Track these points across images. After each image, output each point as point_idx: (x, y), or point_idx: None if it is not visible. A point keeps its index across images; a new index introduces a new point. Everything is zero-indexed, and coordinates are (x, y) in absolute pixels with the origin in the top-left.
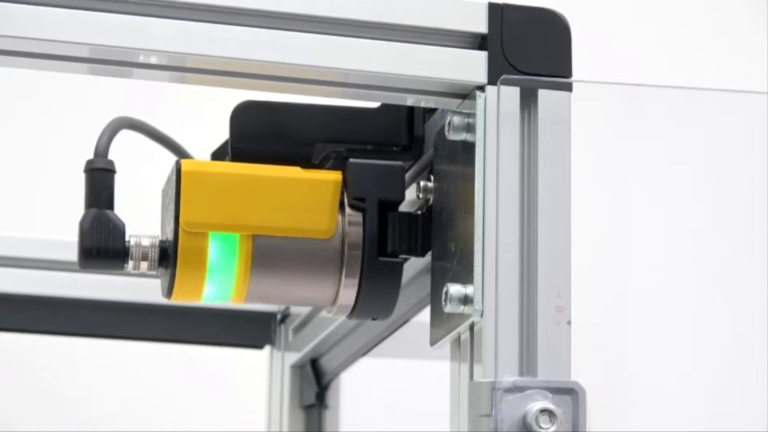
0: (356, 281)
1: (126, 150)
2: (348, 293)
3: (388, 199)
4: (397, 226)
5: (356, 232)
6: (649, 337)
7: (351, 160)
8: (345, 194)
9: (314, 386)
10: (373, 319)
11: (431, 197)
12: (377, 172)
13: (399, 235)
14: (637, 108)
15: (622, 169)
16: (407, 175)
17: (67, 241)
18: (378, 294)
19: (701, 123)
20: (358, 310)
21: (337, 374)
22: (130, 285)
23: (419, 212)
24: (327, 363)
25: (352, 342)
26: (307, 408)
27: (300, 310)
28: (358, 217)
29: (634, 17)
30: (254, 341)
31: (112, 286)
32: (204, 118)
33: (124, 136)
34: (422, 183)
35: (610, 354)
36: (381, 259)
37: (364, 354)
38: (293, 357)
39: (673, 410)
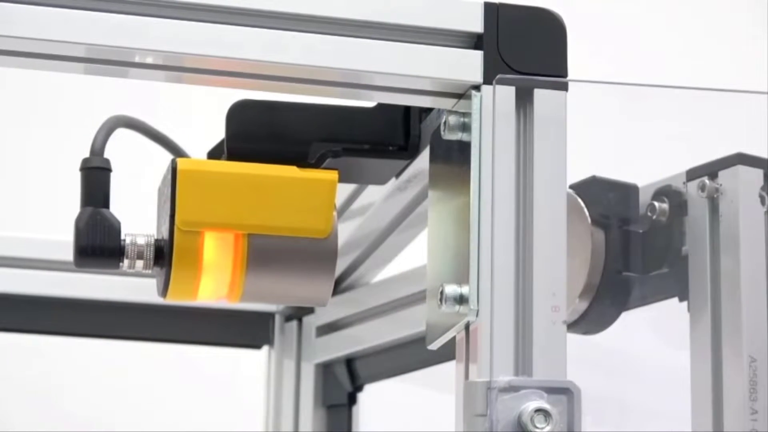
0: (592, 294)
1: (122, 148)
2: (580, 304)
3: (628, 218)
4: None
5: (599, 247)
6: (649, 337)
7: (595, 176)
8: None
9: (347, 386)
10: (584, 333)
11: (663, 219)
12: (619, 191)
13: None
14: (634, 108)
15: (619, 168)
16: (405, 175)
17: (66, 241)
18: (607, 310)
19: (701, 123)
20: (582, 322)
21: (375, 380)
22: (130, 285)
23: (641, 230)
24: (364, 367)
25: (402, 357)
26: (331, 408)
27: (324, 311)
28: (598, 233)
29: (632, 17)
30: (253, 341)
31: (111, 286)
32: (200, 117)
33: (121, 134)
34: (657, 204)
35: (610, 354)
36: (623, 274)
37: (412, 371)
38: (319, 356)
39: (674, 410)
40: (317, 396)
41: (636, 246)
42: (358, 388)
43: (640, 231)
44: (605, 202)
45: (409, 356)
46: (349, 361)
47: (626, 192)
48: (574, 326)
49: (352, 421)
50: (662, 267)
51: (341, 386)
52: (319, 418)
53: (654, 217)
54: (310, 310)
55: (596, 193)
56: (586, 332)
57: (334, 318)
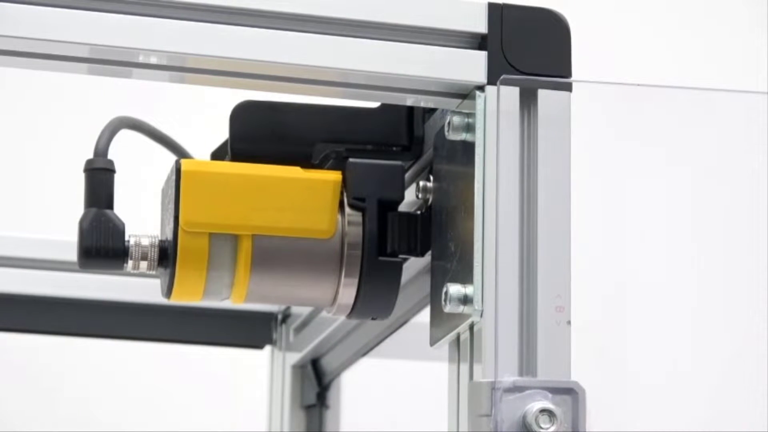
0: (356, 281)
1: (126, 150)
2: (347, 293)
3: (388, 198)
4: (397, 225)
5: (356, 232)
6: (649, 337)
7: (351, 159)
8: (345, 194)
9: (315, 386)
10: (372, 318)
11: (430, 197)
12: (377, 172)
13: (398, 235)
14: (637, 108)
15: (622, 168)
16: (407, 175)
17: (67, 241)
18: (377, 294)
19: (701, 123)
20: (357, 309)
21: (337, 374)
22: (130, 285)
23: (419, 212)
24: (327, 363)
25: (353, 342)
26: (308, 408)
27: (301, 310)
28: (357, 216)
29: (634, 17)
30: (255, 341)
31: (112, 286)
32: (204, 118)
33: (124, 135)
34: (421, 183)
35: (611, 354)
36: (381, 258)
37: (365, 354)
38: (294, 357)
39: (673, 410)
40: (294, 397)
41: (402, 227)
42: (326, 387)
43: (416, 212)
44: (363, 183)
45: (363, 338)
46: (314, 361)
47: (388, 171)
48: (352, 315)
49: (323, 422)
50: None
51: (312, 386)
52: (297, 419)
53: (420, 195)
54: (292, 311)
55: (353, 176)
56: (373, 318)
57: (304, 318)
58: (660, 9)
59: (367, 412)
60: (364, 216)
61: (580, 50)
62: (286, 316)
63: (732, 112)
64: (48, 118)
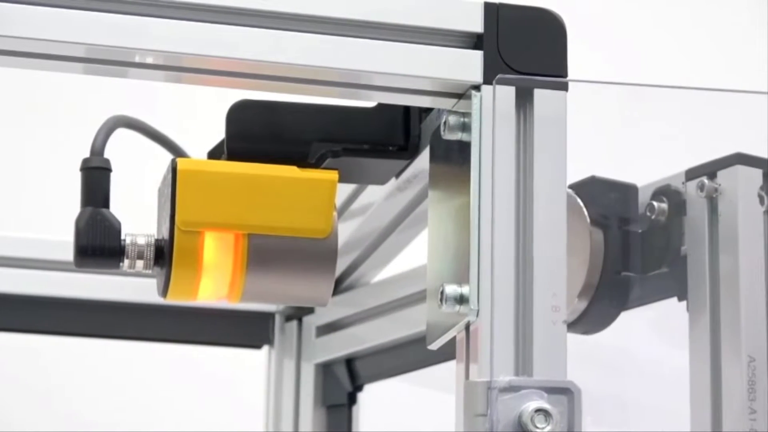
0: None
1: (122, 148)
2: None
3: (627, 218)
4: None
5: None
6: (649, 337)
7: (594, 176)
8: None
9: (347, 386)
10: (584, 333)
11: (662, 219)
12: (617, 191)
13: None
14: (634, 108)
15: (619, 168)
16: (406, 175)
17: (66, 241)
18: (606, 309)
19: (700, 123)
20: (585, 321)
21: (375, 380)
22: (130, 285)
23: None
24: (364, 367)
25: (402, 357)
26: (331, 408)
27: (324, 311)
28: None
29: (631, 17)
30: (253, 341)
31: (111, 286)
32: (201, 117)
33: (121, 134)
34: (656, 204)
35: (610, 354)
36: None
37: (412, 371)
38: (319, 356)
39: (673, 410)
40: (317, 396)
41: (635, 246)
42: (358, 387)
43: (639, 231)
44: (604, 202)
45: (409, 356)
46: (349, 361)
47: (625, 192)
48: (573, 326)
49: (352, 421)
50: (661, 267)
51: (341, 386)
52: (319, 418)
53: (653, 216)
54: (310, 310)
55: (595, 193)
56: (585, 332)
57: (334, 318)
58: (659, 9)
59: (388, 413)
60: (606, 233)
61: (576, 50)
62: (299, 315)
63: (732, 112)
64: (48, 118)
